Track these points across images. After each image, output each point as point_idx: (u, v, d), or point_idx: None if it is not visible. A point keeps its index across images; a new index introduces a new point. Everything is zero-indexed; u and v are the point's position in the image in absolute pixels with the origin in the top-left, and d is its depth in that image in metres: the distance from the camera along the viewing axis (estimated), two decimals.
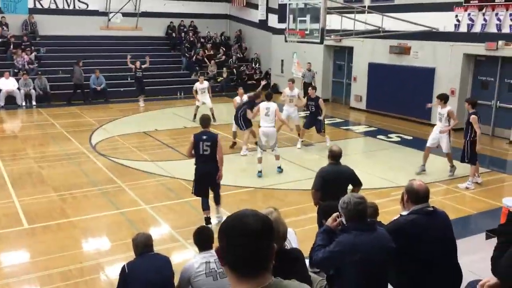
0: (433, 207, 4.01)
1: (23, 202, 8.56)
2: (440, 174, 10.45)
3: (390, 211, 7.23)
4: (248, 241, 1.70)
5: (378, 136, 14.20)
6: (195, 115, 15.35)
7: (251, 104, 11.78)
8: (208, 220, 7.50)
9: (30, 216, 7.94)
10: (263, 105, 10.37)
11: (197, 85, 15.73)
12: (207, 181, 7.52)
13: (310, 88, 12.81)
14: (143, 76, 18.53)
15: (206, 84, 15.95)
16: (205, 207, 7.56)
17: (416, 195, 3.96)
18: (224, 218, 1.81)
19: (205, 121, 7.56)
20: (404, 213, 4.08)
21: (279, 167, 10.49)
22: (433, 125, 15.12)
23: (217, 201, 7.79)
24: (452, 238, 4.08)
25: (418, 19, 15.00)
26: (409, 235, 3.87)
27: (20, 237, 7.27)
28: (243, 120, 11.74)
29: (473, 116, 9.42)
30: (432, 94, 15.34)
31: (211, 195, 7.71)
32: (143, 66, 18.17)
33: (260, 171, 10.20)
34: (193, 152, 7.43)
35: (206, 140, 7.30)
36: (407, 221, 3.93)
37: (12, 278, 6.08)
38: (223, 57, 23.95)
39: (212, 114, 15.29)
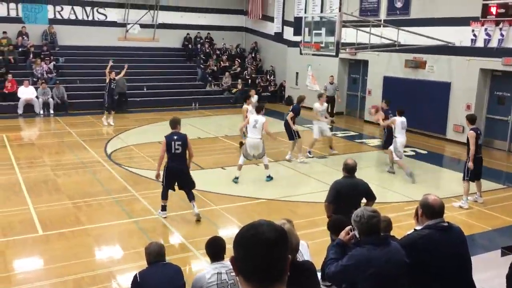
0: (448, 222, 3.97)
1: (39, 209, 8.66)
2: (456, 189, 10.32)
3: (404, 225, 7.16)
4: (262, 251, 1.70)
5: None
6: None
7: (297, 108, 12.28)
8: (164, 207, 8.39)
9: (45, 223, 8.03)
10: (253, 117, 10.55)
11: (253, 100, 13.67)
12: (177, 177, 8.23)
13: (384, 102, 12.63)
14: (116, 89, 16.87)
15: (256, 97, 14.59)
16: (165, 197, 8.36)
17: (431, 210, 3.92)
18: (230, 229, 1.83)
19: (174, 123, 8.36)
20: (418, 228, 4.03)
21: (268, 176, 10.66)
22: (449, 140, 15.13)
23: (191, 197, 8.31)
24: (467, 254, 4.02)
25: (434, 34, 14.96)
26: (422, 250, 3.83)
27: (35, 244, 7.34)
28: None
29: (470, 131, 9.16)
30: (447, 109, 15.28)
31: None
32: (116, 78, 16.57)
33: (236, 178, 10.43)
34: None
35: (177, 140, 8.12)
36: (421, 236, 3.89)
37: (25, 285, 6.13)
38: (238, 69, 24.09)
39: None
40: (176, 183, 8.29)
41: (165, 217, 8.35)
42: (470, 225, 8.38)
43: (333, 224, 4.93)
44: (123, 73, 17.28)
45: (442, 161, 13.50)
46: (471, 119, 9.40)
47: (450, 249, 3.86)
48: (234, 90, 22.27)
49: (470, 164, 9.10)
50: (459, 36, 14.75)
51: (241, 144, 12.50)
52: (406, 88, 16.52)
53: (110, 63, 16.72)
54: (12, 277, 6.35)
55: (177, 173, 8.17)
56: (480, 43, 14.31)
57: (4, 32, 20.40)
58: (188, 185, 8.27)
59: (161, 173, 8.28)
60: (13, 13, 20.97)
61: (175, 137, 8.11)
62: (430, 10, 15.64)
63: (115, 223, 8.23)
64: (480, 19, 14.16)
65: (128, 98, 19.90)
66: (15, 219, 8.18)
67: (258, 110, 10.82)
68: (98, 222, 8.24)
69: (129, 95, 20.07)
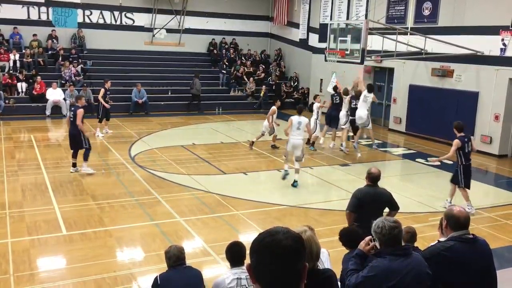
0: (473, 234, 3.88)
1: (63, 209, 8.81)
2: (481, 201, 10.12)
3: (428, 236, 7.05)
4: (278, 258, 1.68)
5: (417, 159, 13.92)
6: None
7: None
8: (74, 164, 11.07)
9: (69, 223, 8.16)
10: (295, 119, 10.66)
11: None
12: (72, 139, 10.94)
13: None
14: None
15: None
16: (73, 155, 11.06)
17: (455, 221, 3.83)
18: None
19: (76, 98, 11.60)
20: (442, 239, 3.95)
21: (295, 181, 10.61)
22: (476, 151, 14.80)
23: (84, 159, 10.93)
24: (492, 267, 3.93)
25: (462, 42, 14.72)
26: (446, 262, 3.75)
27: (58, 243, 7.47)
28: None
29: (456, 140, 9.27)
30: (475, 119, 14.99)
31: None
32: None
33: (289, 178, 10.71)
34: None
35: (73, 110, 10.91)
36: (445, 247, 3.80)
37: (48, 283, 6.24)
38: (262, 74, 24.13)
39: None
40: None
41: (75, 172, 10.95)
42: (496, 237, 8.18)
43: (345, 236, 4.83)
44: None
45: None
46: (458, 127, 9.47)
47: (475, 261, 3.77)
48: (262, 93, 22.19)
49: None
50: (488, 45, 14.47)
51: (274, 147, 13.92)
52: (432, 97, 16.30)
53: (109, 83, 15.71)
54: (36, 276, 6.47)
55: (70, 136, 10.97)
56: (509, 53, 14.02)
57: (35, 35, 20.93)
58: (76, 146, 10.89)
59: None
60: (43, 17, 21.51)
61: (72, 109, 11.03)
62: (458, 18, 15.41)
63: (137, 225, 8.31)
64: (510, 28, 13.89)
65: (154, 102, 20.13)
66: (41, 219, 8.34)
67: (299, 111, 11.10)
68: (120, 223, 8.33)
69: (154, 99, 20.29)
